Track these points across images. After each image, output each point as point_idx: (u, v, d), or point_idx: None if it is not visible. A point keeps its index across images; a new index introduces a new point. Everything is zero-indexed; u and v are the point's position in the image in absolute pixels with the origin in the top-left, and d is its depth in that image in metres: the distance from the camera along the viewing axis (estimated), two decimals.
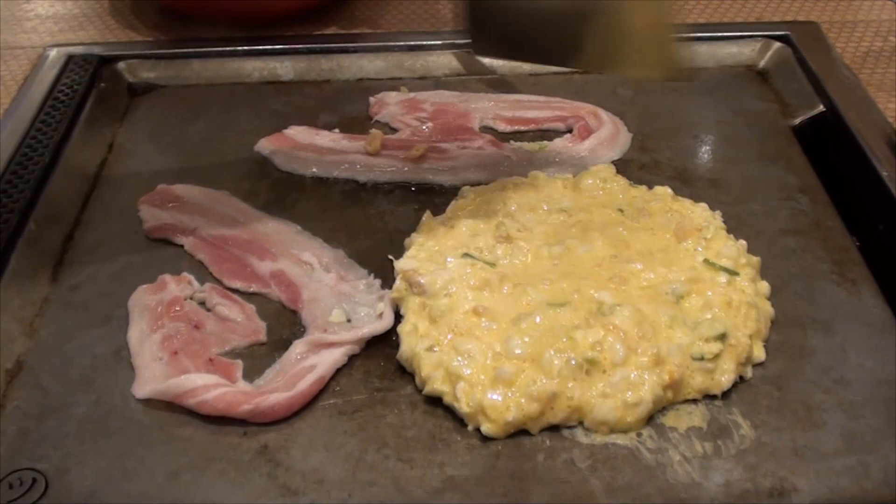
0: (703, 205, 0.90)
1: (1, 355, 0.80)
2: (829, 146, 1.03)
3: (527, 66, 1.14)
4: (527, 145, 1.03)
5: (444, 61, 1.17)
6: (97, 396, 0.77)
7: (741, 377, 0.77)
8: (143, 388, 0.77)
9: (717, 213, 0.89)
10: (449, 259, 0.83)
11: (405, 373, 0.78)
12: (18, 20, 1.27)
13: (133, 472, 0.71)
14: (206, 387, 0.75)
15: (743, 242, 0.86)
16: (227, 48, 1.18)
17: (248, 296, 0.86)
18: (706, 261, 0.83)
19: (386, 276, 0.86)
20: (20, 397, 0.77)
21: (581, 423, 0.73)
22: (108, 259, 0.91)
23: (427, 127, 1.05)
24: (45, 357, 0.81)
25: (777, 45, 1.16)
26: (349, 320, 0.82)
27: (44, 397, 0.77)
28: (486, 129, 1.07)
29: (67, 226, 0.94)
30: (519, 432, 0.73)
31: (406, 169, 0.99)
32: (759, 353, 0.78)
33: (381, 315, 0.82)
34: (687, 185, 0.97)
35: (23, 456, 0.72)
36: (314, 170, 1.00)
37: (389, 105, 1.09)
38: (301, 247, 0.89)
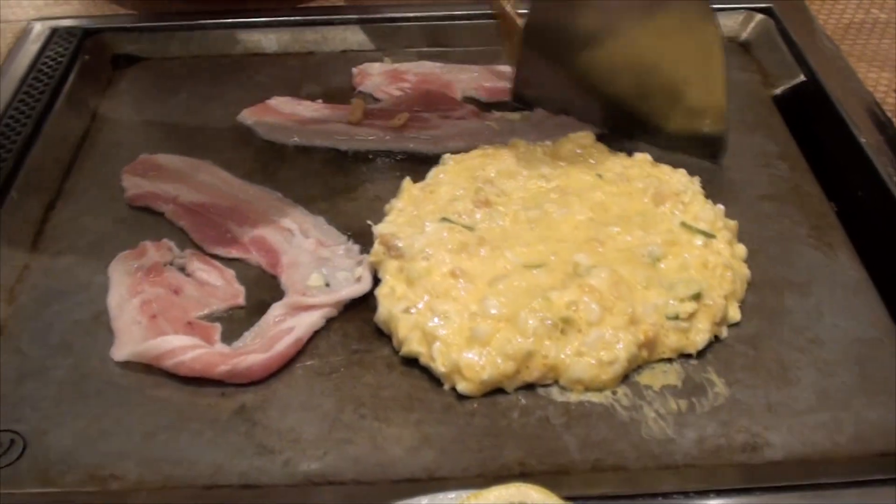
0: (682, 170, 0.90)
1: None
2: (810, 115, 1.03)
3: None
4: (508, 115, 1.03)
5: (428, 33, 1.17)
6: (76, 360, 0.78)
7: (716, 337, 0.77)
8: (122, 350, 0.78)
9: (696, 179, 0.90)
10: (427, 223, 0.83)
11: (382, 335, 0.79)
12: None
13: (110, 432, 0.72)
14: (184, 348, 0.75)
15: (721, 207, 0.86)
16: (211, 21, 1.18)
17: (228, 261, 0.87)
18: (683, 224, 0.83)
19: (366, 242, 0.86)
20: None
21: (556, 381, 0.74)
22: (90, 227, 0.91)
23: (409, 97, 1.05)
24: (24, 322, 0.81)
25: (760, 16, 1.16)
26: (328, 284, 0.82)
27: (23, 361, 0.78)
28: (469, 100, 1.07)
29: (49, 194, 0.95)
30: (495, 391, 0.74)
31: (388, 138, 0.99)
32: (735, 314, 0.79)
33: (359, 279, 0.82)
34: (666, 152, 0.97)
35: (1, 418, 0.73)
36: (296, 139, 1.00)
37: (372, 75, 1.09)
38: (281, 213, 0.90)
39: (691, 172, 0.91)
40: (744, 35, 1.16)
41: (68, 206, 0.94)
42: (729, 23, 1.17)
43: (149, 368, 0.76)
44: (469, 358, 0.73)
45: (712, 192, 0.90)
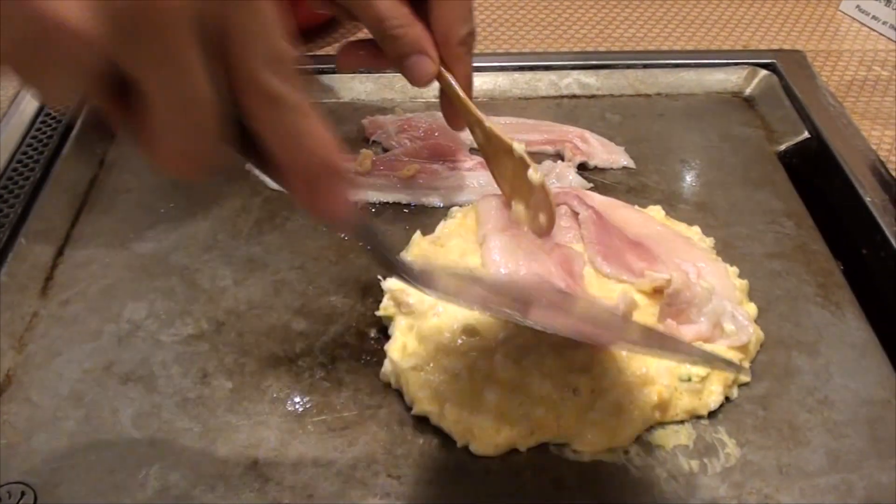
0: (696, 228, 0.91)
1: None
2: (814, 172, 1.04)
3: (516, 91, 1.16)
4: None
5: (435, 83, 1.17)
6: (87, 411, 0.77)
7: (727, 397, 0.78)
8: None
9: (710, 239, 0.90)
10: None
11: (395, 391, 0.79)
12: None
13: (123, 486, 0.71)
14: None
15: (735, 269, 0.87)
16: None
17: None
18: None
19: (375, 295, 0.87)
20: (9, 411, 0.77)
21: (569, 444, 0.74)
22: (99, 275, 0.90)
23: (418, 148, 1.06)
24: (34, 372, 0.81)
25: (763, 72, 1.17)
26: None
27: (33, 411, 0.77)
28: (477, 151, 1.07)
29: (58, 241, 0.94)
30: (508, 450, 0.74)
31: (397, 189, 1.00)
32: (746, 375, 0.79)
33: None
34: (674, 208, 0.97)
35: (13, 470, 0.72)
36: None
37: (384, 126, 1.09)
38: None
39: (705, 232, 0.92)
40: (748, 90, 1.17)
41: (77, 253, 0.93)
42: (733, 78, 1.18)
43: (161, 421, 0.76)
44: (481, 420, 0.73)
45: (719, 248, 0.90)
